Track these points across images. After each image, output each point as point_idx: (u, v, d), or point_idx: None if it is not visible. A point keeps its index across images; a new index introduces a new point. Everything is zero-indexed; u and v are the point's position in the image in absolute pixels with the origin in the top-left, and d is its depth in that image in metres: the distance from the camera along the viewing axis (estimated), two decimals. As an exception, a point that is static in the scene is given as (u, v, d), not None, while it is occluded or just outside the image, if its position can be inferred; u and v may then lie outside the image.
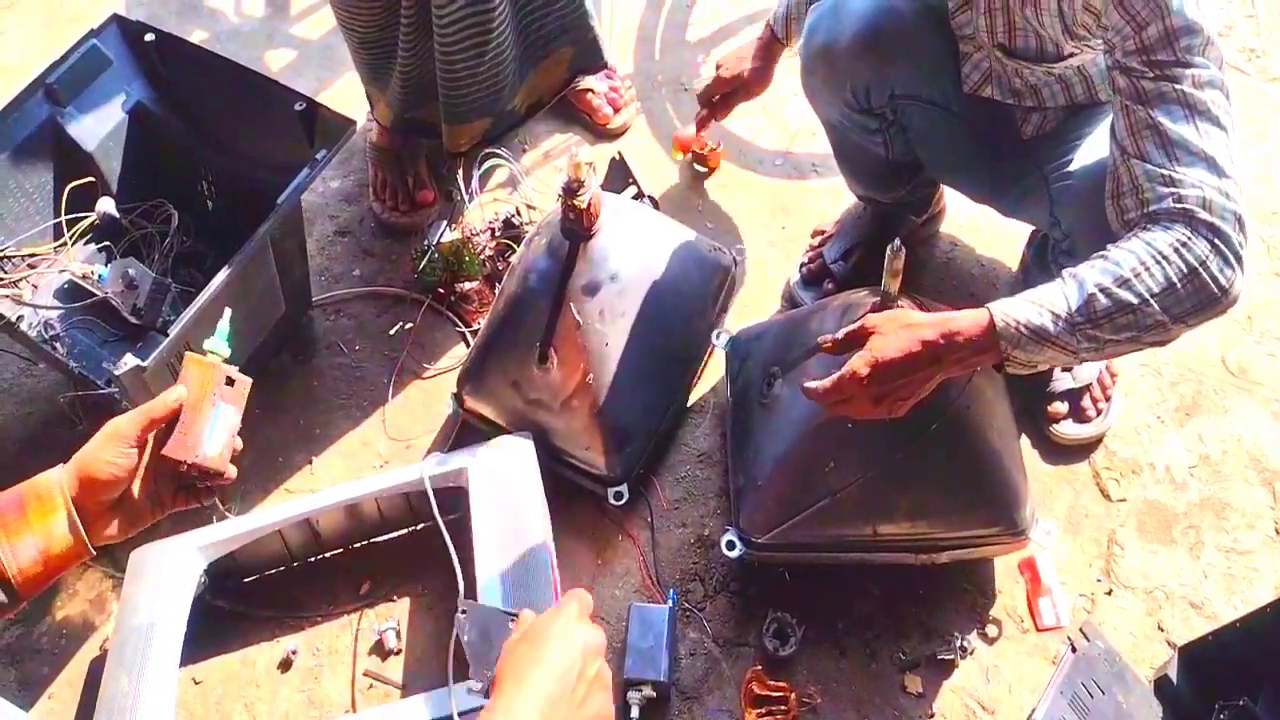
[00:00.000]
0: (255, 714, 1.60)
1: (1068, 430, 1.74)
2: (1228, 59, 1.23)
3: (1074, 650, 1.46)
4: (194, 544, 1.57)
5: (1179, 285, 1.13)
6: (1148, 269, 1.14)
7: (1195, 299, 1.14)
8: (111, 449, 1.07)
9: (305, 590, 1.69)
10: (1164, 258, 1.14)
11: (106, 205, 1.75)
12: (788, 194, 2.09)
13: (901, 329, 1.21)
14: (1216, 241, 1.14)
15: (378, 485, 1.62)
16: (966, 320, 1.19)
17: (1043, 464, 1.74)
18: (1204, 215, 1.14)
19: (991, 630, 1.60)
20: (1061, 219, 1.48)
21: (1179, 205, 1.15)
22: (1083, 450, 1.75)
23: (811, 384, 1.27)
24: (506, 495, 1.55)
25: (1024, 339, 1.16)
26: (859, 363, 1.21)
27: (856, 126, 1.66)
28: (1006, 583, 1.64)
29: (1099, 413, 1.74)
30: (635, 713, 1.52)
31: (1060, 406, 1.73)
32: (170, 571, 1.55)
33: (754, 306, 1.93)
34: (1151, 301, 1.13)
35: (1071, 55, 1.41)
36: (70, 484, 1.06)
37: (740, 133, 2.17)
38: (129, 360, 1.45)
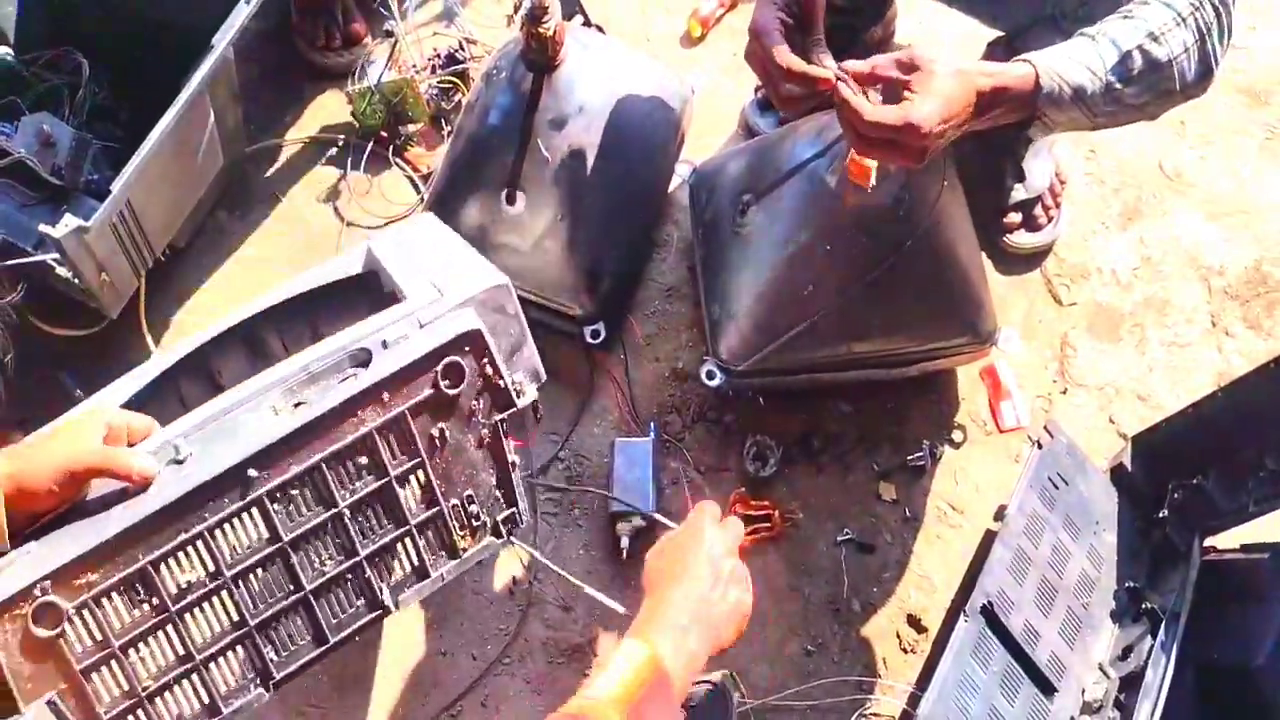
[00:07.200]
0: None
1: (1022, 239, 1.79)
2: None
3: (1039, 446, 1.55)
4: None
5: (1192, 50, 1.14)
6: (1169, 30, 1.14)
7: (1196, 70, 1.15)
8: (55, 478, 0.99)
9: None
10: (1183, 20, 1.14)
11: (3, 54, 1.58)
12: (737, 18, 2.01)
13: (956, 74, 1.10)
14: (1220, 10, 1.15)
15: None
16: (1014, 77, 1.13)
17: (997, 275, 1.79)
18: None
19: (957, 435, 1.68)
20: None
21: None
22: (1035, 258, 1.81)
23: (871, 109, 1.11)
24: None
25: (1063, 99, 1.12)
26: (920, 112, 1.08)
27: None
28: (969, 390, 1.71)
29: (1050, 219, 1.79)
30: (625, 543, 1.56)
31: (1014, 216, 1.77)
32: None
33: (710, 135, 1.88)
34: (1172, 64, 1.14)
35: None
36: (3, 481, 0.98)
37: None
38: (69, 221, 1.35)
